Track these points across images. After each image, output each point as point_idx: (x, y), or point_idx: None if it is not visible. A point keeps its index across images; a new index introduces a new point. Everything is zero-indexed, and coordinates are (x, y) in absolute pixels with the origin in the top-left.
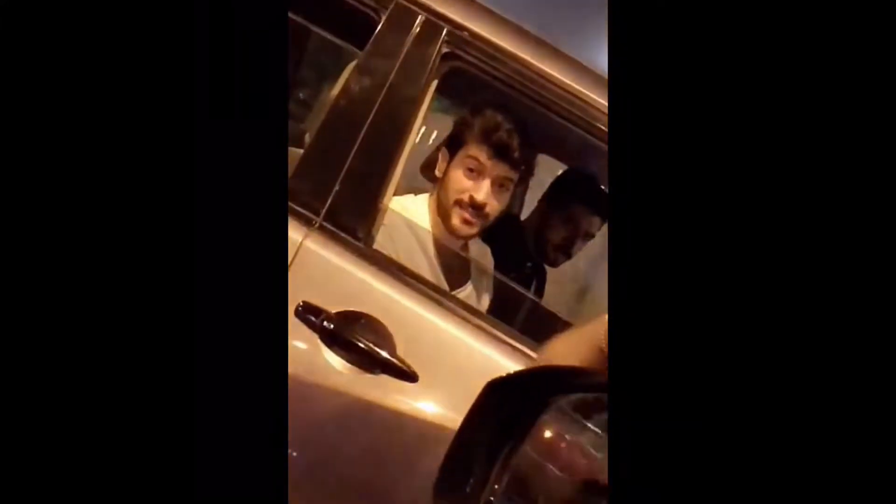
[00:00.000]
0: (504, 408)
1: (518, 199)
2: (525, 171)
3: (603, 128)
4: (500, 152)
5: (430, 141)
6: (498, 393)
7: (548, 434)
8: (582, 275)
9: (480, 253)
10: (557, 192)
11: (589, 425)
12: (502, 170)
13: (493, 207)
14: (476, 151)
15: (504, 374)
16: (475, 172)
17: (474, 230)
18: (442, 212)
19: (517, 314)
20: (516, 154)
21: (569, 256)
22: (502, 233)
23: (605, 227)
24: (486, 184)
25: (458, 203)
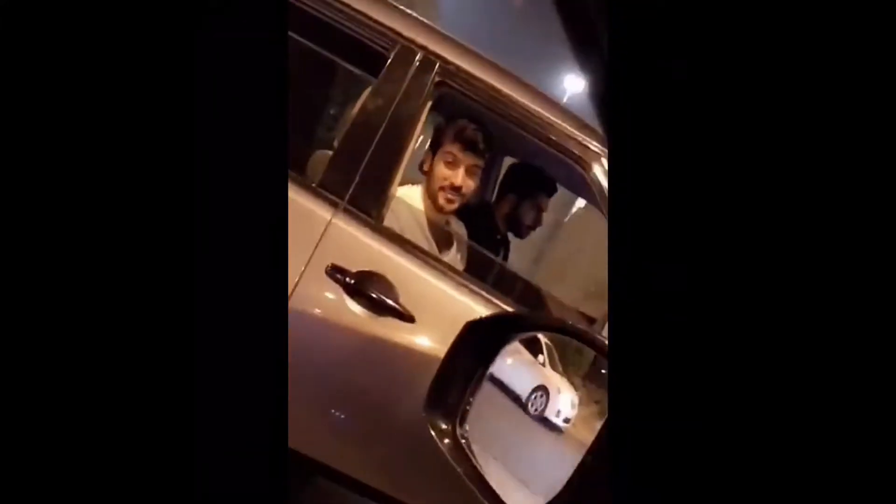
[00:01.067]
0: (478, 341)
1: (489, 188)
2: (490, 164)
3: (551, 136)
4: (468, 146)
5: (426, 146)
6: (473, 330)
7: (509, 361)
8: (536, 245)
9: (459, 227)
10: (515, 182)
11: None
12: (471, 159)
13: (468, 187)
14: (451, 147)
15: (479, 317)
16: (452, 164)
17: (455, 206)
18: (431, 196)
19: (488, 274)
20: (481, 146)
21: (534, 229)
22: (477, 214)
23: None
24: (460, 171)
25: (442, 188)
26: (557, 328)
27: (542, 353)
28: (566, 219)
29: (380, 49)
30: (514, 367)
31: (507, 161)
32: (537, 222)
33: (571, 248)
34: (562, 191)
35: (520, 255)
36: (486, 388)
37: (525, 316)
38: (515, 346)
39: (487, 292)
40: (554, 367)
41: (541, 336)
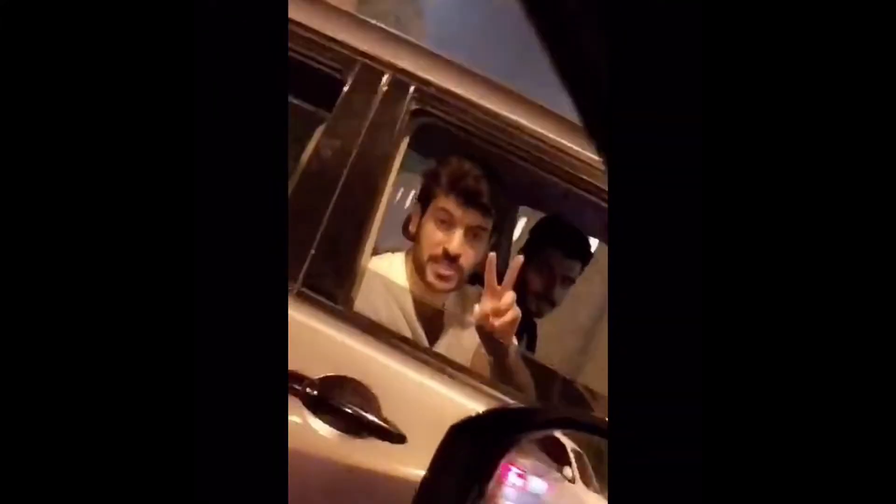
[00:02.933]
0: (468, 451)
1: (503, 254)
2: (499, 219)
3: (580, 175)
4: (469, 200)
5: (408, 202)
6: (461, 437)
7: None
8: (583, 330)
9: (472, 293)
10: (531, 239)
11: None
12: (473, 218)
13: (468, 258)
14: (445, 202)
15: (465, 417)
16: (446, 224)
17: (451, 285)
18: (418, 268)
19: (504, 370)
20: (486, 200)
21: (552, 304)
22: None
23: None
24: (458, 234)
25: (433, 258)
26: (577, 424)
27: (570, 464)
28: None
29: (332, 72)
30: (531, 486)
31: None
32: (549, 290)
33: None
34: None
35: (559, 345)
36: None
37: (529, 410)
38: (532, 455)
39: (501, 391)
40: (587, 482)
41: (566, 441)
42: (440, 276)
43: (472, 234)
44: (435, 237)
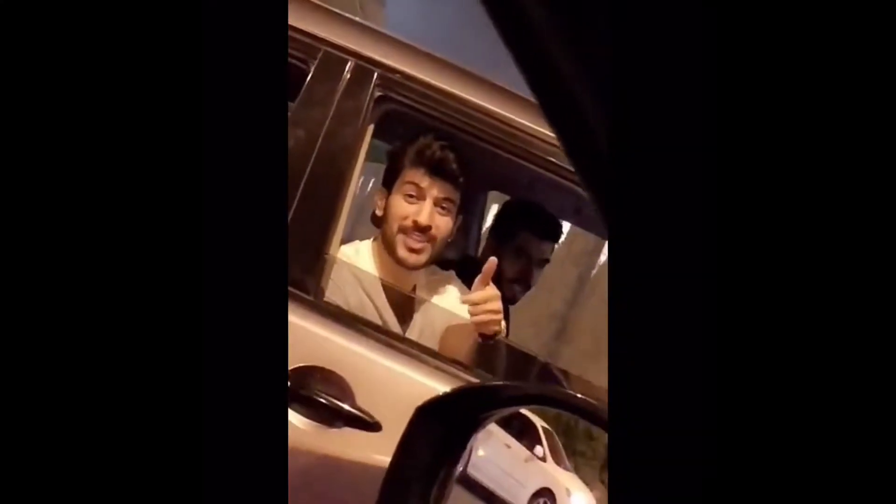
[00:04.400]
0: (435, 431)
1: (473, 241)
2: (471, 207)
3: (549, 158)
4: (436, 169)
5: (375, 190)
6: (428, 417)
7: (482, 453)
8: (558, 316)
9: (443, 277)
10: (502, 224)
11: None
12: (442, 189)
13: (439, 229)
14: (412, 175)
15: (432, 398)
16: (415, 197)
17: (423, 258)
18: (388, 246)
19: (479, 355)
20: (454, 167)
21: (528, 287)
22: (461, 275)
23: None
24: (427, 204)
25: (402, 230)
26: (542, 398)
27: (541, 443)
28: (594, 272)
29: (294, 62)
30: (502, 465)
31: (496, 200)
32: (524, 275)
33: (605, 310)
34: (586, 235)
35: (536, 329)
36: (463, 498)
37: (494, 387)
38: (500, 436)
39: (472, 375)
40: (558, 461)
41: (536, 420)
42: (411, 249)
43: (440, 205)
44: (404, 209)
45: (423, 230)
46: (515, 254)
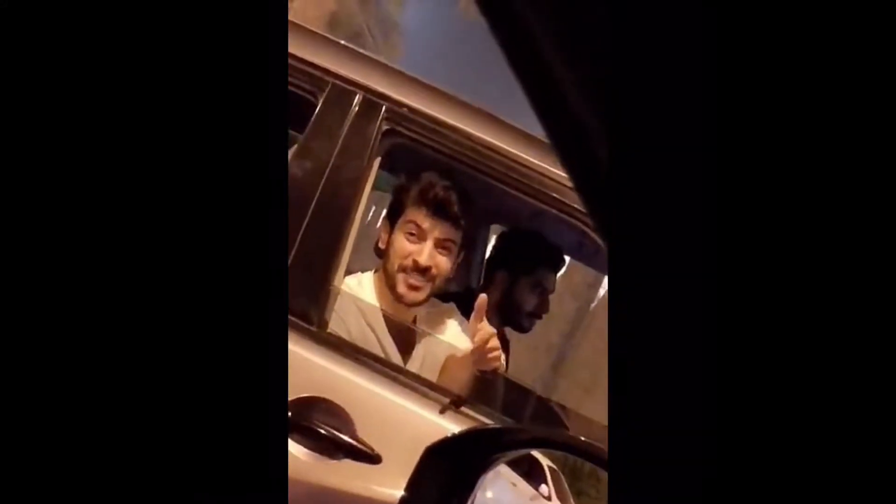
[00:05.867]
0: (445, 472)
1: (475, 273)
2: (472, 241)
3: (551, 194)
4: (438, 211)
5: (380, 221)
6: (437, 457)
7: (489, 495)
8: (556, 348)
9: (443, 310)
10: (506, 256)
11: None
12: (443, 230)
13: (439, 269)
14: (414, 215)
15: (442, 438)
16: (416, 236)
17: (422, 295)
18: (389, 281)
19: (480, 388)
20: (455, 209)
21: (540, 318)
22: (462, 306)
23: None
24: (428, 245)
25: (402, 269)
26: (550, 442)
27: (547, 482)
28: (593, 305)
29: (303, 94)
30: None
31: (496, 232)
32: (541, 308)
33: (603, 344)
34: (584, 270)
35: (532, 360)
36: None
37: (505, 430)
38: (507, 475)
39: (479, 412)
40: (563, 500)
41: (542, 459)
42: (411, 286)
43: (441, 246)
44: (405, 249)
45: (422, 271)
46: (532, 287)
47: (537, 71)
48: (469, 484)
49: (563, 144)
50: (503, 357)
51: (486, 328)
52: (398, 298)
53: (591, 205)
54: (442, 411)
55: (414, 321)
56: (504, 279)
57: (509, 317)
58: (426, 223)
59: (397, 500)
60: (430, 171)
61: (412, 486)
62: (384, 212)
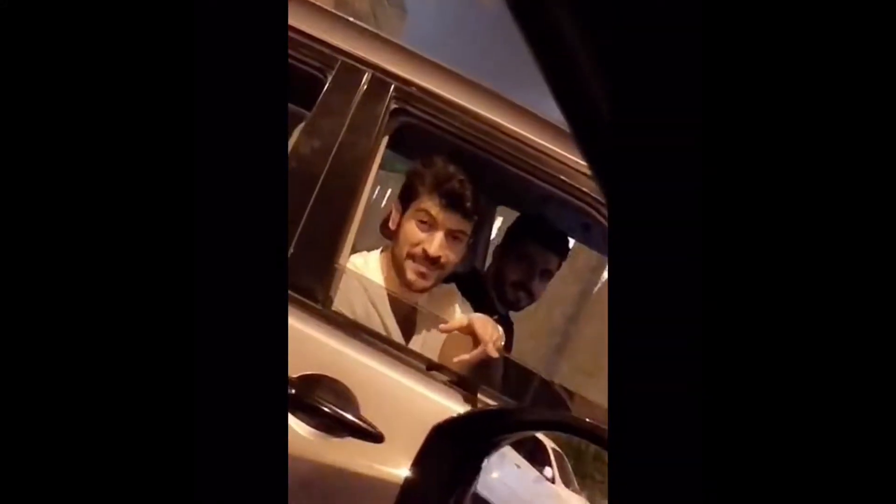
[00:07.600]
0: (451, 452)
1: (480, 254)
2: (479, 223)
3: (559, 176)
4: (451, 203)
5: (385, 201)
6: (444, 437)
7: (494, 475)
8: (559, 331)
9: (445, 291)
10: (511, 237)
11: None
12: (454, 221)
13: (448, 260)
14: (428, 203)
15: (448, 418)
16: (427, 225)
17: (429, 282)
18: (396, 265)
19: (481, 369)
20: (469, 204)
21: (531, 296)
22: (467, 289)
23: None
24: (438, 236)
25: (412, 256)
26: (555, 424)
27: (551, 464)
28: (596, 288)
29: (312, 71)
30: (512, 485)
31: (504, 217)
32: (528, 280)
33: (605, 328)
34: (589, 253)
35: (535, 343)
36: None
37: (511, 412)
38: (511, 457)
39: (483, 394)
40: (566, 482)
41: (546, 441)
42: (420, 274)
43: (452, 236)
44: (416, 236)
45: (432, 260)
46: (518, 258)
47: (545, 28)
48: (475, 464)
49: (565, 93)
50: (503, 335)
51: (480, 318)
52: (406, 284)
53: (591, 156)
54: (429, 368)
55: (417, 304)
56: (497, 253)
57: (497, 291)
58: (440, 214)
59: (401, 479)
60: (444, 158)
61: (418, 464)
62: (389, 192)
